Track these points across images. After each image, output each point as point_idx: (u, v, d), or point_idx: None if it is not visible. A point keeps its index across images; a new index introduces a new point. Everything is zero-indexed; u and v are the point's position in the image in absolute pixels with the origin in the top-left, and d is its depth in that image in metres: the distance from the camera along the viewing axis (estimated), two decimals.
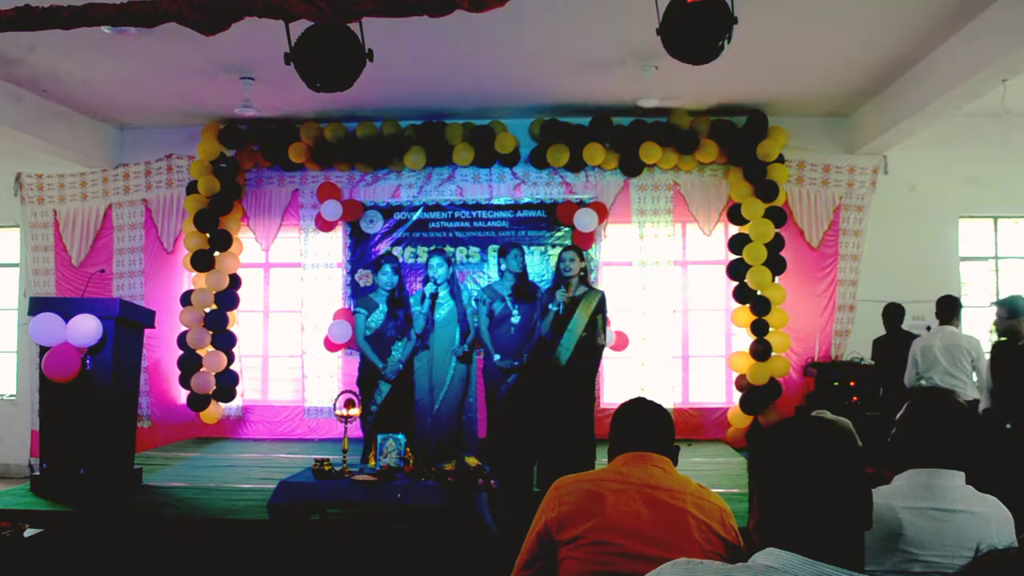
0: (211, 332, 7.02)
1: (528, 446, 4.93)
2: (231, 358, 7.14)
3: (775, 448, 1.19)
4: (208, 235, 7.03)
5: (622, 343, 6.76)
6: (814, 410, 4.79)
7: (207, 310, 7.02)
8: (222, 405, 7.17)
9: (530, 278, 5.52)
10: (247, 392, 7.43)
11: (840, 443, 1.15)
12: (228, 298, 7.10)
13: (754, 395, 6.56)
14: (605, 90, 6.37)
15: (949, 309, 5.52)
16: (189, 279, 7.28)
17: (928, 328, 6.12)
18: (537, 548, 1.82)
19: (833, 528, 1.12)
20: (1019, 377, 4.65)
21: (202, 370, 6.98)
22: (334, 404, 4.28)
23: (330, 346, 6.93)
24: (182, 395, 7.17)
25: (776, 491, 1.17)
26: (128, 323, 5.00)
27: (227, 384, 7.09)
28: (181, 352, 7.01)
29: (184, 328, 6.98)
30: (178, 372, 7.07)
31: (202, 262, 6.97)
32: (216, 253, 7.07)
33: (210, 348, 7.04)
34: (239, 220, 7.29)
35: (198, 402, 7.00)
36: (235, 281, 7.17)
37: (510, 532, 2.62)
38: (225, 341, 7.09)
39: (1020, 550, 1.74)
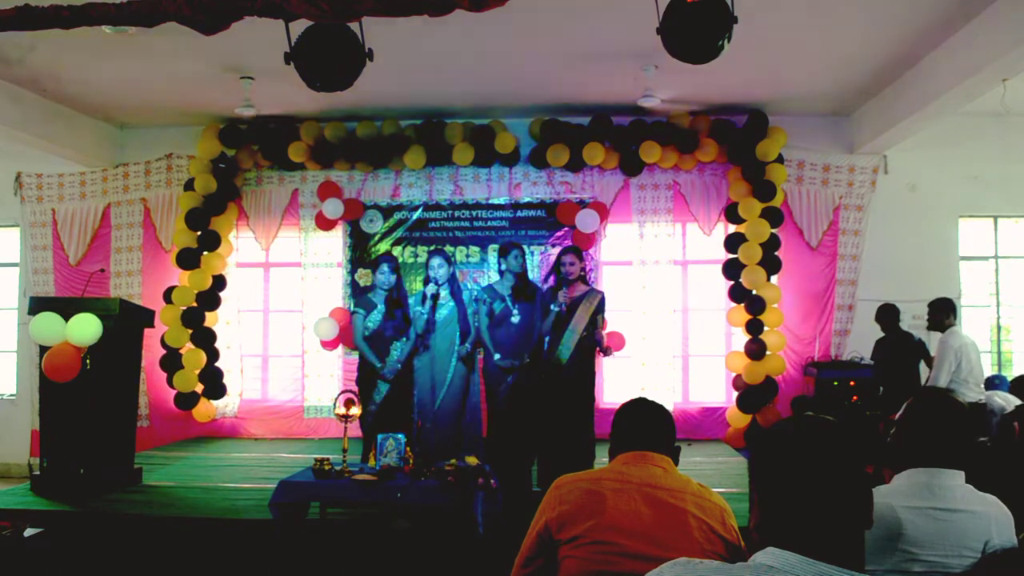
0: (189, 330, 6.95)
1: (528, 445, 4.93)
2: (213, 355, 7.08)
3: (775, 447, 1.19)
4: (198, 234, 7.00)
5: (621, 343, 6.75)
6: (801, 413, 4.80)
7: (183, 308, 6.95)
8: (214, 403, 7.14)
9: (530, 278, 5.52)
10: (247, 391, 7.43)
11: (841, 442, 1.16)
12: (210, 298, 7.05)
13: (751, 394, 6.56)
14: (605, 90, 6.36)
15: (951, 311, 5.53)
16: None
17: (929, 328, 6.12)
18: (537, 547, 1.82)
19: (834, 527, 1.12)
20: None
21: (184, 368, 6.94)
22: (334, 404, 4.28)
23: (326, 345, 6.93)
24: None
25: (776, 490, 1.17)
26: (128, 323, 5.00)
27: (213, 382, 7.04)
28: (164, 351, 6.95)
29: (165, 327, 6.89)
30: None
31: (188, 260, 6.94)
32: (204, 253, 7.03)
33: (190, 346, 6.99)
34: (232, 222, 7.27)
35: (185, 400, 6.96)
36: (219, 282, 7.12)
37: (509, 532, 2.62)
38: (205, 338, 7.02)
39: (1021, 550, 1.75)
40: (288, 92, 5.73)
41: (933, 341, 6.00)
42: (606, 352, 5.22)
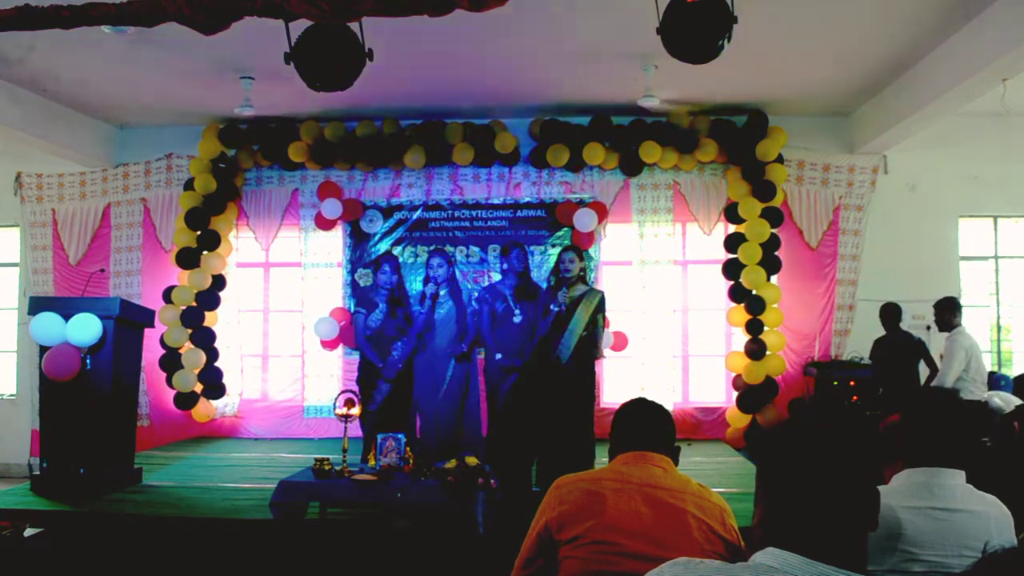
0: (189, 330, 6.94)
1: (528, 445, 4.93)
2: (213, 355, 7.07)
3: (783, 450, 1.19)
4: (197, 233, 7.00)
5: (622, 343, 6.76)
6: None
7: (183, 308, 6.94)
8: (213, 403, 7.13)
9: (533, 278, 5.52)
10: (246, 391, 7.43)
11: (846, 446, 1.15)
12: (209, 298, 7.04)
13: (751, 394, 6.56)
14: (605, 90, 6.37)
15: (958, 310, 5.51)
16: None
17: (928, 328, 6.12)
18: (537, 547, 1.82)
19: (837, 529, 1.12)
20: None
21: (183, 368, 6.93)
22: (334, 403, 4.28)
23: (327, 344, 6.93)
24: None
25: (781, 492, 1.17)
26: (128, 323, 5.00)
27: (213, 382, 7.04)
28: (163, 351, 6.94)
29: (164, 327, 6.86)
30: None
31: (187, 260, 6.94)
32: (204, 252, 7.03)
33: (190, 345, 6.98)
34: (232, 222, 7.27)
35: (184, 400, 6.96)
36: (219, 282, 7.11)
37: (509, 532, 2.62)
38: (204, 338, 7.01)
39: (1021, 550, 1.74)
40: (288, 92, 5.74)
41: (934, 340, 6.00)
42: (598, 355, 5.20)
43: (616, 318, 6.65)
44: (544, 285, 5.53)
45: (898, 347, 6.02)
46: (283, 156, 7.02)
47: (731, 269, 6.72)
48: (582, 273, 5.01)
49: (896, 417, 2.04)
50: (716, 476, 5.28)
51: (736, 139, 6.75)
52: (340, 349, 7.12)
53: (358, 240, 7.26)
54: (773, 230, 6.62)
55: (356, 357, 5.82)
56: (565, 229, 7.04)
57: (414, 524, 4.11)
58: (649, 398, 2.05)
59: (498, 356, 5.06)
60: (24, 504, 4.48)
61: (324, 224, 7.15)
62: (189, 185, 7.05)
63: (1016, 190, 7.03)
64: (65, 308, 4.76)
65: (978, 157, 6.93)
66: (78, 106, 6.83)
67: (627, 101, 6.36)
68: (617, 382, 7.07)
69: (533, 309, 5.09)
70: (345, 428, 4.15)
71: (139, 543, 4.19)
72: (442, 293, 5.25)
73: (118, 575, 4.02)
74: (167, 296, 6.93)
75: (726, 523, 1.79)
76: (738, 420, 6.66)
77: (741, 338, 6.76)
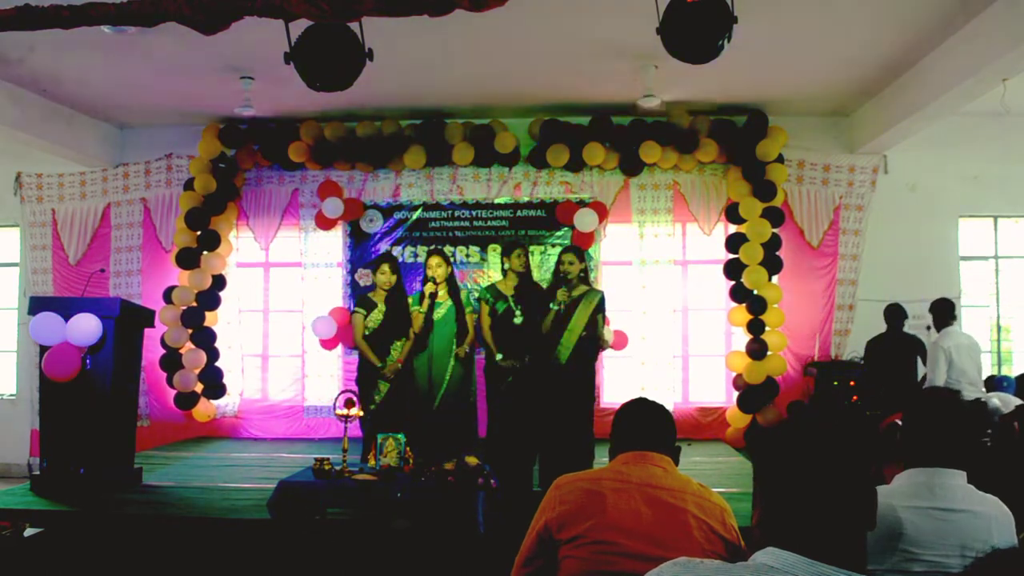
0: (189, 330, 6.95)
1: (528, 445, 4.93)
2: (213, 355, 7.07)
3: (781, 449, 1.19)
4: (198, 233, 7.00)
5: (622, 343, 6.76)
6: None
7: (183, 308, 6.94)
8: (214, 403, 7.13)
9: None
10: (247, 391, 7.43)
11: (844, 444, 1.16)
12: (210, 298, 7.04)
13: (751, 394, 6.56)
14: (605, 90, 6.37)
15: (950, 311, 5.50)
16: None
17: (928, 328, 6.11)
18: (537, 547, 1.82)
19: (836, 529, 1.12)
20: None
21: (183, 368, 6.93)
22: (334, 403, 4.28)
23: (326, 344, 6.93)
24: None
25: (779, 491, 1.17)
26: (128, 323, 5.00)
27: (213, 381, 7.03)
28: (163, 351, 6.94)
29: (164, 327, 6.86)
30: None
31: (188, 260, 6.94)
32: (204, 252, 7.03)
33: (190, 345, 6.98)
34: (232, 222, 7.27)
35: (185, 400, 6.96)
36: (219, 282, 7.11)
37: (509, 532, 2.62)
38: (205, 338, 7.01)
39: (1021, 550, 1.74)
40: (288, 92, 5.73)
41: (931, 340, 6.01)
42: (603, 346, 5.19)
43: (616, 318, 6.64)
44: (544, 285, 5.53)
45: (898, 346, 6.01)
46: (283, 156, 7.02)
47: (732, 269, 6.72)
48: (582, 273, 5.01)
49: (896, 417, 2.05)
50: (716, 476, 5.28)
51: (736, 139, 6.75)
52: (340, 349, 7.12)
53: (358, 240, 7.26)
54: (774, 230, 6.62)
55: (356, 357, 5.82)
56: (565, 229, 7.04)
57: (414, 524, 4.12)
58: (649, 398, 2.05)
59: (498, 356, 5.06)
60: (24, 504, 4.48)
61: (324, 224, 7.14)
62: (189, 185, 7.05)
63: (1016, 190, 7.04)
64: (65, 308, 4.75)
65: (978, 157, 6.94)
66: (78, 106, 6.84)
67: (627, 101, 6.37)
68: (617, 382, 7.07)
69: (534, 309, 5.09)
70: (345, 428, 4.15)
71: (139, 543, 4.19)
72: (441, 293, 5.26)
73: (118, 575, 4.02)
74: (167, 296, 6.92)
75: (726, 523, 1.79)
76: (738, 420, 6.66)
77: (741, 338, 6.76)
